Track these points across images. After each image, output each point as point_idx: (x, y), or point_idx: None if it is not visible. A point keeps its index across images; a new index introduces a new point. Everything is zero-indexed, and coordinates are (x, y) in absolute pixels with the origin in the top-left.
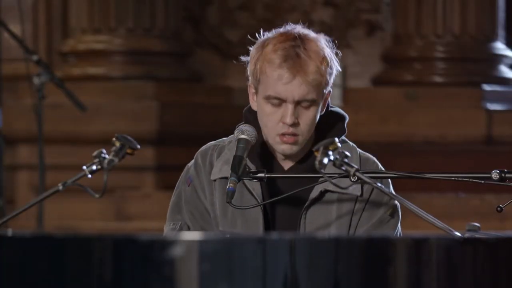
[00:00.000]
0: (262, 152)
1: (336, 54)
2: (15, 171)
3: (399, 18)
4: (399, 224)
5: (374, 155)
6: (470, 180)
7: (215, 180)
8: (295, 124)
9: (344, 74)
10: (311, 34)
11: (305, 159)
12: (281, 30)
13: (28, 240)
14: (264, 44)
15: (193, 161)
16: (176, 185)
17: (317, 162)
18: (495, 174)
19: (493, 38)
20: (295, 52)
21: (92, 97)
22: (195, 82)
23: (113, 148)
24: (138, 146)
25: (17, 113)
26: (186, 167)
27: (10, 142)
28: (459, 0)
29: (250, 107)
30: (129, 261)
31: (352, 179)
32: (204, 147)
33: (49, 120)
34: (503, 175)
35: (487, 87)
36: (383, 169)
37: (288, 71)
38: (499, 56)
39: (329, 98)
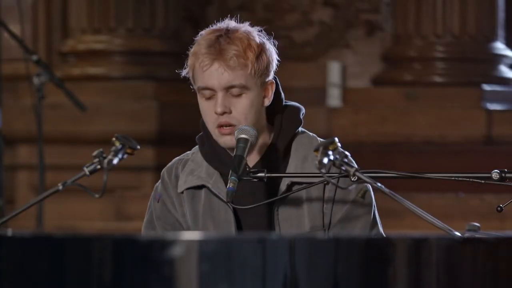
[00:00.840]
0: (223, 156)
1: (274, 44)
2: (15, 171)
3: (399, 18)
4: (373, 204)
5: (374, 155)
6: (470, 180)
7: (182, 192)
8: (227, 113)
9: (343, 74)
10: (242, 25)
11: (266, 156)
12: (213, 26)
13: (28, 240)
14: (194, 43)
15: (160, 180)
16: (148, 207)
17: (317, 162)
18: (495, 174)
19: (492, 38)
20: (217, 41)
21: (92, 97)
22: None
23: (113, 148)
24: (138, 146)
25: (17, 113)
26: (155, 186)
27: (10, 142)
28: (458, 0)
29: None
30: (128, 261)
31: (352, 179)
32: (169, 164)
33: (49, 120)
34: (503, 175)
35: (487, 87)
36: (351, 159)
37: (208, 57)
38: (498, 56)
39: (274, 89)
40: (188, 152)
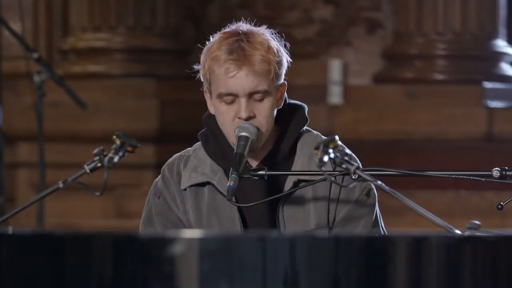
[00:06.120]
0: (228, 153)
1: (285, 46)
2: (15, 169)
3: (400, 15)
4: (376, 203)
5: (375, 153)
6: (471, 178)
7: (185, 189)
8: (251, 118)
9: (344, 71)
10: (255, 28)
11: (271, 156)
12: (225, 29)
13: (28, 238)
14: (210, 46)
15: (160, 175)
16: (146, 202)
17: (317, 160)
18: (495, 172)
19: (494, 35)
20: (238, 45)
21: (92, 95)
22: (196, 80)
23: (114, 146)
24: (139, 144)
25: (17, 111)
26: (154, 182)
27: (10, 140)
28: None
29: (209, 112)
30: (129, 259)
31: (353, 177)
32: (169, 160)
33: (49, 118)
34: (503, 172)
35: (488, 85)
36: (355, 156)
37: (234, 63)
38: (500, 54)
39: (285, 92)
40: (189, 148)
